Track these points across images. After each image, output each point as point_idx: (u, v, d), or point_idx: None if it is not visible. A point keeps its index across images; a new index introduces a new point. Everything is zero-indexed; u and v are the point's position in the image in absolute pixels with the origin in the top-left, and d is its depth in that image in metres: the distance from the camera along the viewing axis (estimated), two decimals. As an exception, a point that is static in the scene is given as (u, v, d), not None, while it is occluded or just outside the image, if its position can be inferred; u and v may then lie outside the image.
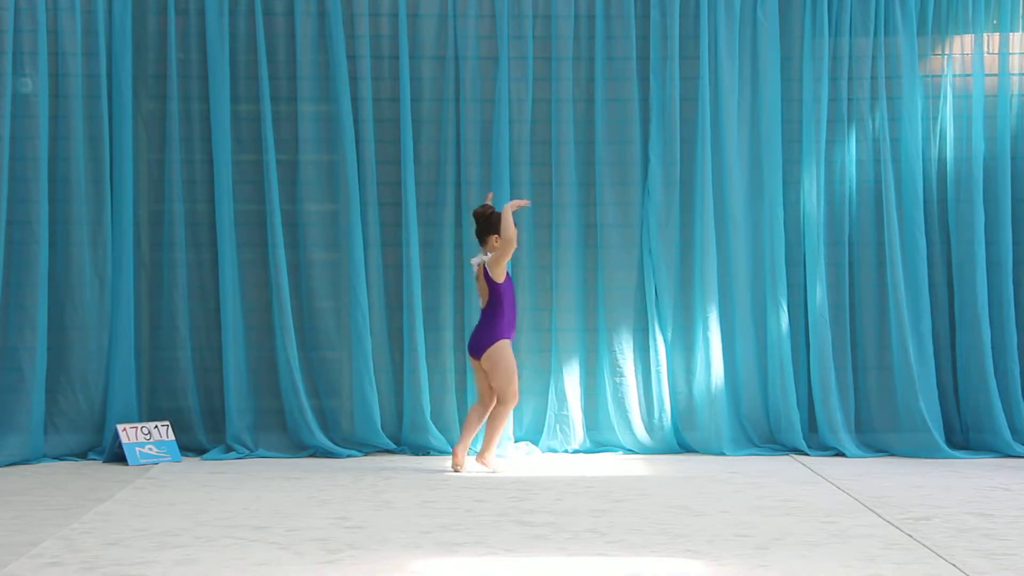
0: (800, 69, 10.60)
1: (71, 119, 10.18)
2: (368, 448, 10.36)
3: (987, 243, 10.51)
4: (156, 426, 9.94)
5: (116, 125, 10.26)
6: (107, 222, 10.23)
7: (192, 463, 9.90)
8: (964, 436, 10.54)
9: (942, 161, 10.63)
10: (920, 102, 10.57)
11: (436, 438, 10.36)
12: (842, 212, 10.59)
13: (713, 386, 10.42)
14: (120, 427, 9.77)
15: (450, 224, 10.50)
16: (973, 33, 10.60)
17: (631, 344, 10.51)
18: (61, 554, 6.59)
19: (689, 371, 10.53)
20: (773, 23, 10.55)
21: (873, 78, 10.59)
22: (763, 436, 10.52)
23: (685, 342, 10.55)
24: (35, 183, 10.03)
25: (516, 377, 9.45)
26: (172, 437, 10.00)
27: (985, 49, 10.60)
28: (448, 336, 10.50)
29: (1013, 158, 10.59)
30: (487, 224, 9.45)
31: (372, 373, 10.36)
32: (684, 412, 10.52)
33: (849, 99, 10.60)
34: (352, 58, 10.44)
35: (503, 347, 9.35)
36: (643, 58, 10.57)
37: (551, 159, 10.55)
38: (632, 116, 10.56)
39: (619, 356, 10.48)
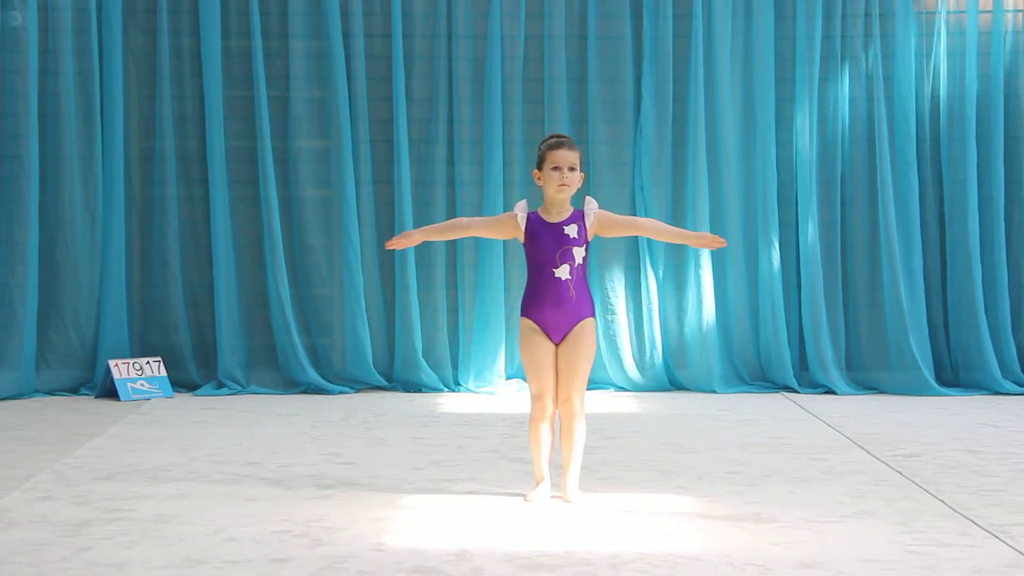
0: (793, 6, 10.54)
1: (60, 54, 10.12)
2: (360, 385, 10.38)
3: (979, 181, 10.50)
4: (148, 362, 9.95)
5: (106, 60, 10.20)
6: (98, 158, 10.19)
7: (184, 399, 9.92)
8: (954, 374, 10.57)
9: (935, 99, 10.60)
10: (914, 39, 10.53)
11: (428, 375, 10.38)
12: (834, 150, 10.58)
13: (704, 324, 10.43)
14: (112, 363, 9.78)
15: (442, 161, 10.47)
16: (968, -31, 10.55)
17: (623, 282, 10.52)
18: (53, 488, 6.60)
19: (680, 309, 10.54)
20: (767, -41, 10.51)
21: (867, 15, 10.55)
22: (754, 374, 10.55)
23: (676, 280, 10.55)
24: (25, 118, 9.99)
25: (533, 372, 6.47)
26: (164, 373, 10.01)
27: (979, -14, 10.56)
28: (440, 274, 10.49)
29: (1006, 96, 10.56)
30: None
31: (364, 310, 10.37)
32: (675, 350, 10.54)
33: (842, 36, 10.56)
34: (343, -7, 10.40)
35: (520, 327, 6.57)
36: (636, -6, 10.55)
37: (543, 96, 10.52)
38: (625, 53, 10.51)
39: (611, 294, 10.49)
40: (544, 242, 6.37)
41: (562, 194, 6.38)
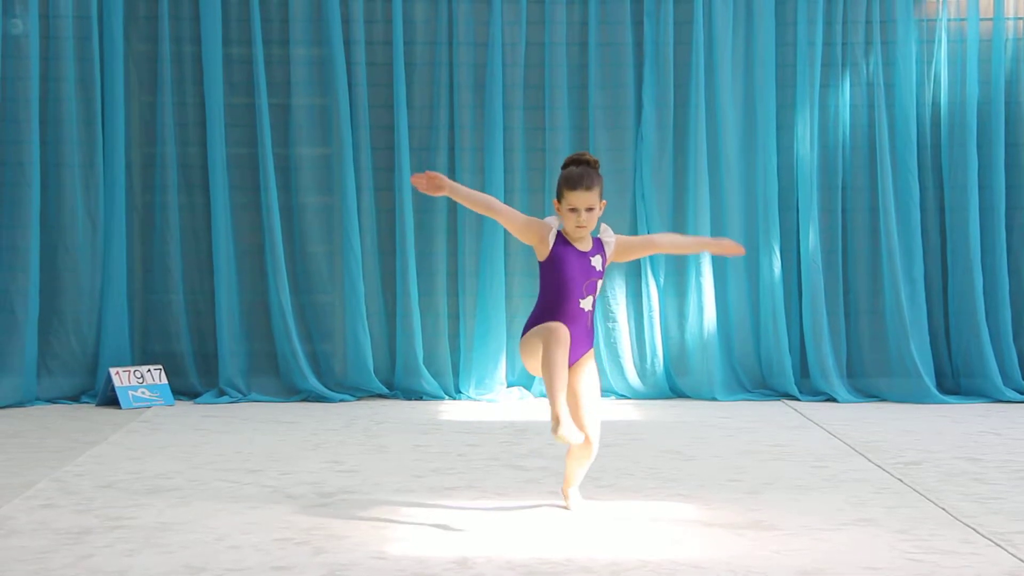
0: (795, 12, 10.55)
1: (62, 60, 10.12)
2: (361, 392, 10.38)
3: (980, 188, 10.51)
4: (149, 369, 9.95)
5: (107, 67, 10.21)
6: (99, 164, 10.20)
7: (185, 407, 9.92)
8: (955, 381, 10.57)
9: (936, 106, 10.61)
10: (915, 46, 10.53)
11: (429, 383, 10.37)
12: (835, 157, 10.58)
13: (705, 331, 10.43)
14: (113, 370, 9.78)
15: (443, 168, 10.46)
16: (969, -23, 10.56)
17: (623, 289, 10.52)
18: (54, 496, 6.60)
19: (681, 316, 10.54)
20: (768, -34, 10.52)
21: (868, 22, 10.55)
22: (755, 381, 10.55)
23: (677, 287, 10.55)
24: (26, 124, 9.99)
25: (541, 349, 5.94)
26: (165, 381, 10.01)
27: (980, -7, 10.57)
28: (441, 281, 10.49)
29: (1007, 103, 10.56)
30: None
31: (365, 317, 10.37)
32: (676, 357, 10.54)
33: (843, 43, 10.57)
34: (344, 0, 10.39)
35: (525, 340, 6.16)
36: (637, 1, 10.53)
37: (544, 103, 10.52)
38: (625, 60, 10.52)
39: (611, 301, 10.49)
40: (571, 269, 6.05)
41: (579, 235, 6.08)
